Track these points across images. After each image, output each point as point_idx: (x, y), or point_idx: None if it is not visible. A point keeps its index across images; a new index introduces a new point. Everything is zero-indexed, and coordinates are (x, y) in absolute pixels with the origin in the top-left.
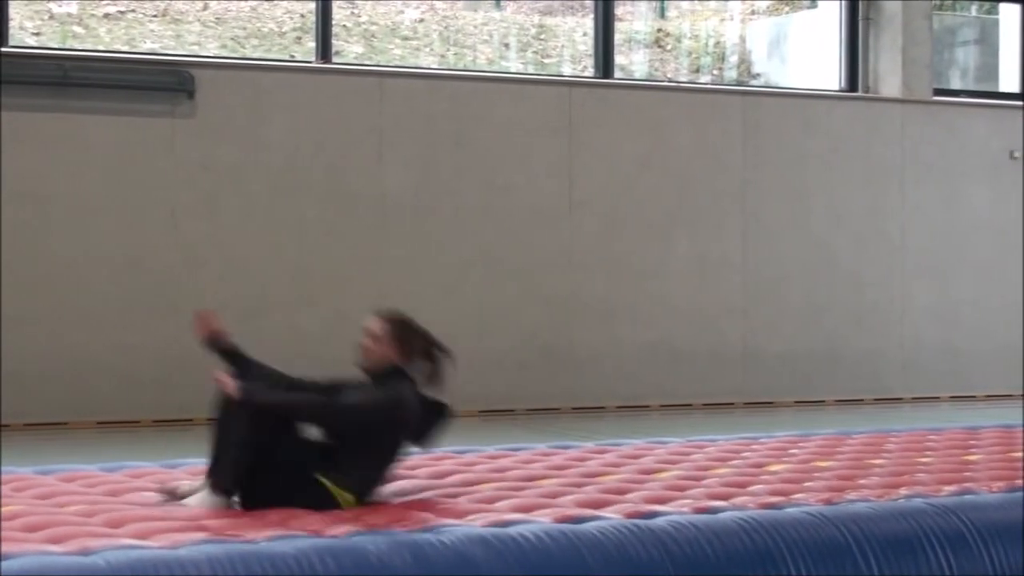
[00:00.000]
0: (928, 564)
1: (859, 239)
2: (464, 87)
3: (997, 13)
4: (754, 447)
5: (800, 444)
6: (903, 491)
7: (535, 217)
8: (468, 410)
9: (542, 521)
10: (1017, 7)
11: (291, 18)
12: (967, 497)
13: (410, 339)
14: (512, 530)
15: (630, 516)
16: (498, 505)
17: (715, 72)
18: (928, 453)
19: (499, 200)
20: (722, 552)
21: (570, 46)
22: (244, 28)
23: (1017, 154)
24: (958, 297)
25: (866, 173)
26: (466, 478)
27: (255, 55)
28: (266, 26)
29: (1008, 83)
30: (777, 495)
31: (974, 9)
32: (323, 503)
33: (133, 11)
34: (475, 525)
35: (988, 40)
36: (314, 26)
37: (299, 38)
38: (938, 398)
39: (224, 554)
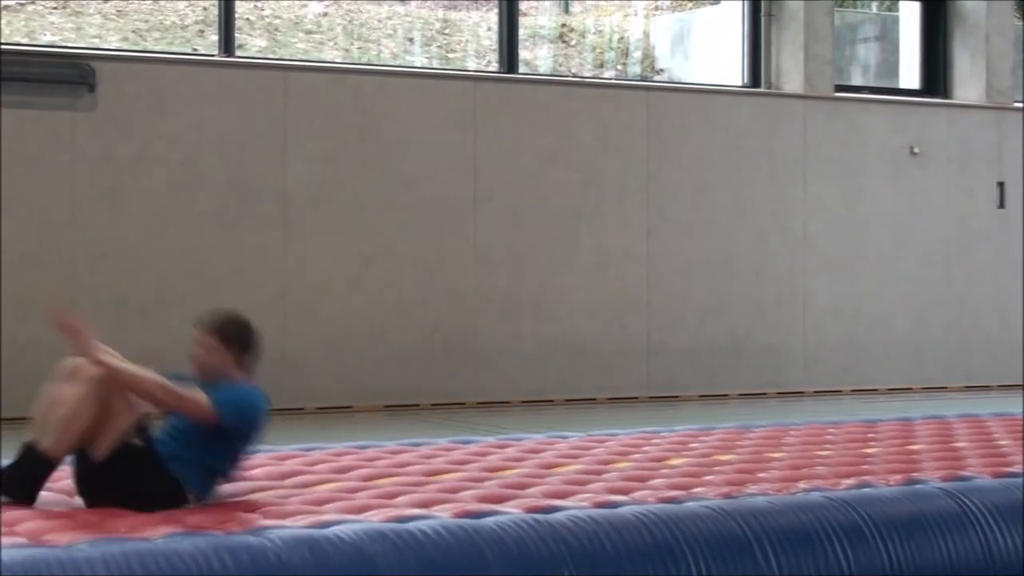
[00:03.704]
0: (826, 557)
1: (761, 233)
2: (368, 81)
3: (897, 10)
4: (655, 441)
5: (701, 438)
6: (801, 484)
7: (440, 211)
8: (372, 405)
9: (442, 516)
10: (917, 4)
11: (193, 11)
12: (864, 490)
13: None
14: (411, 525)
15: (530, 511)
16: (398, 500)
17: (619, 67)
18: (827, 446)
19: (403, 194)
20: (621, 546)
21: (475, 41)
22: (146, 21)
23: (916, 150)
24: (859, 291)
25: (768, 168)
26: (367, 473)
27: (157, 48)
28: (168, 19)
29: (907, 79)
30: (677, 489)
31: (875, 6)
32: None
33: (33, 3)
34: (374, 520)
35: (888, 37)
36: (217, 19)
37: (202, 31)
38: (839, 391)
39: (121, 553)
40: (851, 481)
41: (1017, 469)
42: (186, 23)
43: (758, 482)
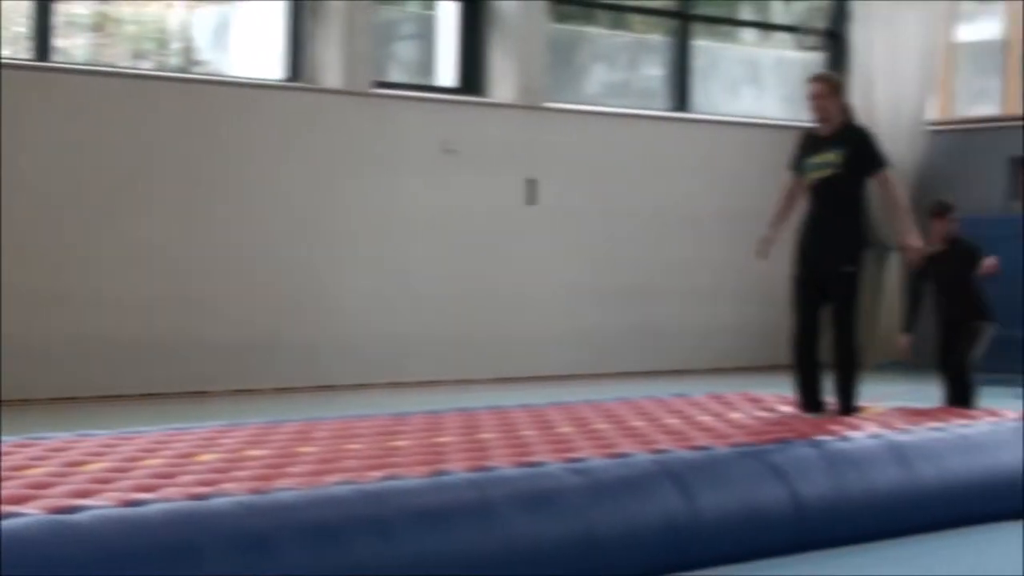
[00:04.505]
0: (353, 551)
1: (301, 228)
2: None
3: (435, 9)
4: (185, 437)
5: (231, 433)
6: (330, 478)
7: None
8: None
9: None
10: (454, 4)
11: None
12: (391, 483)
13: None
14: None
15: (53, 511)
16: None
17: (158, 59)
18: (357, 440)
19: None
20: (146, 546)
21: (7, 27)
22: None
23: (452, 147)
24: (396, 286)
25: (308, 163)
26: None
27: None
28: None
29: (444, 78)
30: (204, 485)
31: (414, 4)
32: None
33: None
34: None
35: (427, 35)
36: None
37: None
38: (374, 385)
39: None
40: (379, 474)
41: (539, 459)
42: None
43: (287, 477)
